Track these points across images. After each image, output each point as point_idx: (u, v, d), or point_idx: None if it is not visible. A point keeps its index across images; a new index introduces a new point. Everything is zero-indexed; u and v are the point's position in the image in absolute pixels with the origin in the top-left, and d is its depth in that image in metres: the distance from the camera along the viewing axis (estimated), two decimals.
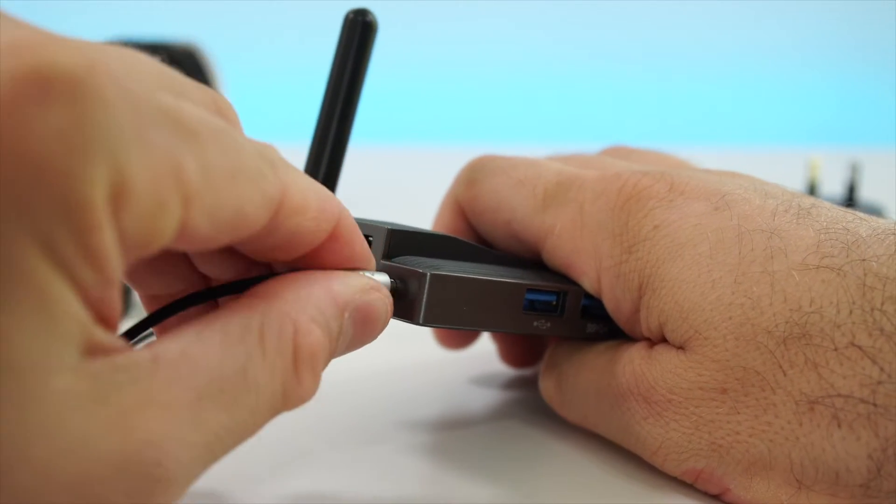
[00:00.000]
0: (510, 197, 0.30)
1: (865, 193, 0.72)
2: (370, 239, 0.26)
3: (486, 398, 0.34)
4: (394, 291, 0.25)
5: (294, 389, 0.19)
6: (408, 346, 0.38)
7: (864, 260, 0.24)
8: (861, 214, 0.26)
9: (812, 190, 0.69)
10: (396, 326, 0.27)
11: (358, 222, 0.27)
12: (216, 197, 0.17)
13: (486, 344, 0.36)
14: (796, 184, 0.71)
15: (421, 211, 0.38)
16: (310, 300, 0.20)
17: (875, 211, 0.67)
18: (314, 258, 0.21)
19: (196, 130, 0.17)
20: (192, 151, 0.16)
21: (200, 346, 0.17)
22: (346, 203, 0.27)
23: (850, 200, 0.68)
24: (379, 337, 0.36)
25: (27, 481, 0.14)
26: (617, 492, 0.26)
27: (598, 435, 0.29)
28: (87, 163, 0.14)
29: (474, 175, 0.32)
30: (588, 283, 0.28)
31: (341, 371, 0.36)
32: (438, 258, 0.27)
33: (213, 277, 0.22)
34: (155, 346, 0.17)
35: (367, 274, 0.22)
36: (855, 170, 0.69)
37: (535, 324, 0.28)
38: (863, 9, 1.62)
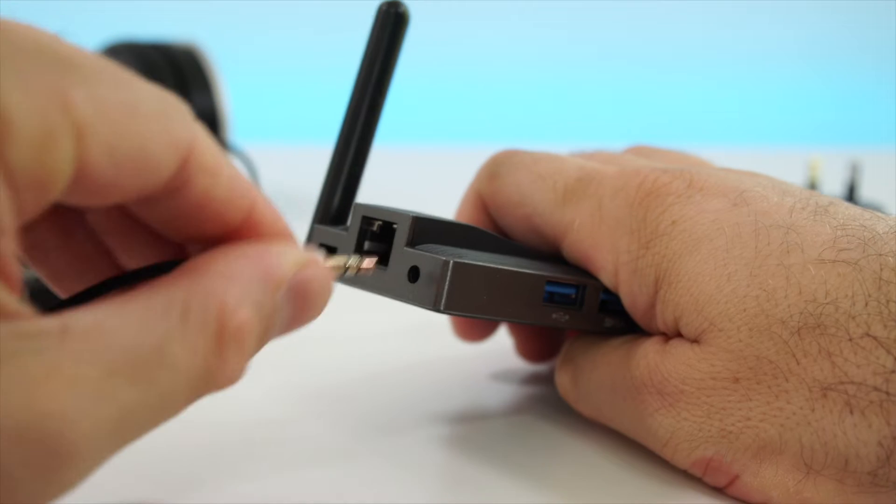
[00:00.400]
0: (531, 191, 0.31)
1: (865, 193, 0.72)
2: (394, 226, 0.26)
3: (503, 393, 0.34)
4: (415, 277, 0.25)
5: (219, 370, 0.17)
6: (427, 342, 0.38)
7: (880, 255, 0.24)
8: (878, 213, 0.26)
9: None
10: (415, 322, 0.27)
11: (383, 210, 0.27)
12: (114, 131, 0.16)
13: (504, 341, 0.36)
14: (796, 184, 0.71)
15: (438, 211, 0.39)
16: (240, 276, 0.18)
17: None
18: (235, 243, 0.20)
19: (81, 64, 0.16)
20: (78, 82, 0.16)
21: (117, 319, 0.16)
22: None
23: (850, 200, 0.68)
24: (398, 332, 0.36)
25: None
26: (629, 487, 0.27)
27: (613, 432, 0.29)
28: None
29: (496, 169, 0.32)
30: (606, 278, 0.29)
31: (364, 366, 0.37)
32: (461, 247, 0.27)
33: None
34: (66, 316, 0.16)
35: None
36: (855, 170, 0.69)
37: (553, 316, 0.28)
38: (863, 9, 1.62)
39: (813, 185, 0.70)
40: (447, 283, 0.25)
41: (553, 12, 1.52)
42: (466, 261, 0.26)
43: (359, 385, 0.34)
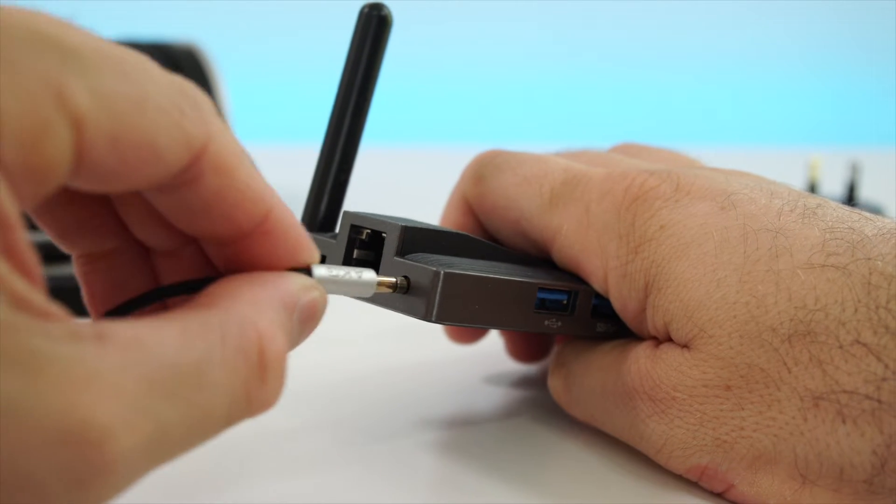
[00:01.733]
0: (517, 195, 0.30)
1: (865, 193, 0.72)
2: (383, 235, 0.26)
3: (496, 397, 0.34)
4: (406, 288, 0.25)
5: (258, 393, 0.18)
6: (419, 345, 0.38)
7: (869, 259, 0.24)
8: (867, 214, 0.26)
9: (812, 190, 0.69)
10: (407, 326, 0.27)
11: (372, 219, 0.27)
12: (117, 123, 0.16)
13: (496, 343, 0.36)
14: (796, 184, 0.71)
15: (429, 213, 0.39)
16: (267, 303, 0.19)
17: (875, 211, 0.67)
18: (245, 247, 0.20)
19: (84, 55, 0.16)
20: (78, 73, 0.16)
21: (155, 335, 0.16)
22: (355, 204, 0.27)
23: (850, 200, 0.68)
24: (390, 335, 0.36)
25: None
26: (623, 490, 0.27)
27: (605, 434, 0.29)
28: None
29: (481, 171, 0.32)
30: (595, 283, 0.28)
31: (354, 369, 0.36)
32: (451, 255, 0.27)
33: (146, 244, 0.22)
34: (101, 325, 0.15)
35: (319, 268, 0.21)
36: (855, 170, 0.69)
37: (546, 322, 0.28)
38: (862, 9, 1.62)
39: (813, 185, 0.70)
40: (438, 293, 0.25)
41: (547, 11, 1.52)
42: (457, 270, 0.25)
43: (349, 388, 0.34)
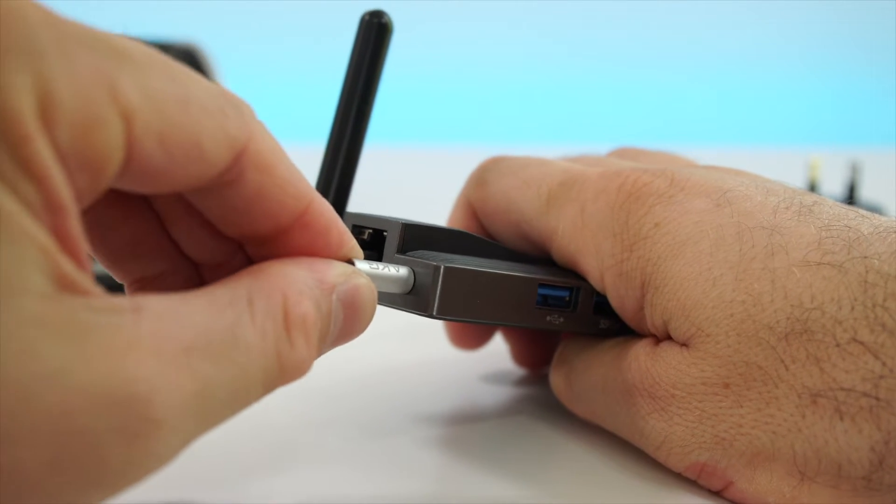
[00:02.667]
0: (517, 198, 0.31)
1: (865, 193, 0.72)
2: (384, 233, 0.27)
3: (497, 395, 0.34)
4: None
5: (288, 355, 0.19)
6: (421, 345, 0.38)
7: (865, 257, 0.24)
8: (863, 212, 0.26)
9: (812, 190, 0.69)
10: (410, 325, 0.27)
11: (373, 218, 0.27)
12: (164, 121, 0.17)
13: (497, 343, 0.36)
14: (796, 184, 0.71)
15: (433, 212, 0.39)
16: (296, 277, 0.19)
17: (875, 211, 0.67)
18: (288, 243, 0.20)
19: (133, 55, 0.16)
20: (128, 72, 0.16)
21: (186, 306, 0.17)
22: (358, 202, 0.28)
23: (850, 200, 0.68)
24: (393, 334, 0.36)
25: (5, 405, 0.14)
26: (624, 488, 0.27)
27: (605, 431, 0.29)
28: (9, 71, 0.14)
29: (485, 176, 0.32)
30: (593, 282, 0.29)
31: (356, 368, 0.36)
32: (452, 253, 0.27)
33: (195, 259, 0.22)
34: (136, 298, 0.16)
35: (360, 263, 0.22)
36: (855, 170, 0.69)
37: (548, 318, 0.28)
38: (862, 9, 1.63)
39: (813, 186, 0.70)
40: (439, 288, 0.25)
41: (549, 12, 1.52)
42: (457, 265, 0.26)
43: (350, 386, 0.34)
